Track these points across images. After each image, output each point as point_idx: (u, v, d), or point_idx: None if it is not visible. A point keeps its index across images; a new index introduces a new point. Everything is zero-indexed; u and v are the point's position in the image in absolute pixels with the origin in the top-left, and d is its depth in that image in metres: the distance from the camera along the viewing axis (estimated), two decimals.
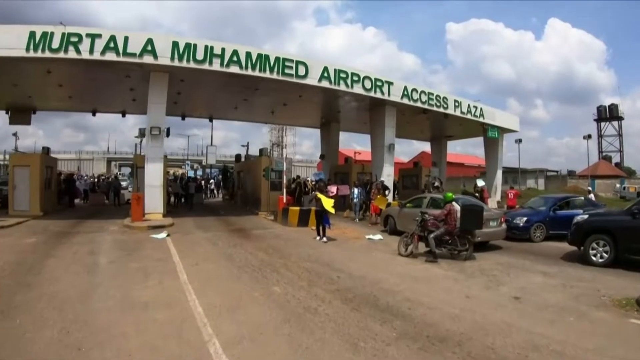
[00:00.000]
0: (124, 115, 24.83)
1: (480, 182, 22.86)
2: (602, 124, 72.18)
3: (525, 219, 13.47)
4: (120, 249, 10.72)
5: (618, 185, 47.30)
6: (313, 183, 20.07)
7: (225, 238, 12.97)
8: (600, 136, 72.10)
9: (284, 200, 17.05)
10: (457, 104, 24.53)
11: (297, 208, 15.74)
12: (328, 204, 12.94)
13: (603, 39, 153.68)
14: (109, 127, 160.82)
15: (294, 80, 17.98)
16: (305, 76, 18.18)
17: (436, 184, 19.36)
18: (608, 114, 71.26)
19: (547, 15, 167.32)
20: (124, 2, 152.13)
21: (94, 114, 26.27)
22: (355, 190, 18.80)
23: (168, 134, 17.91)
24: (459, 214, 9.99)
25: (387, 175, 20.75)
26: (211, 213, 20.53)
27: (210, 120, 28.70)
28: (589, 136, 48.76)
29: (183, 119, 27.82)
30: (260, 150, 22.19)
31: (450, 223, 9.83)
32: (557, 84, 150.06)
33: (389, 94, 20.78)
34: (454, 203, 10.21)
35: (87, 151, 79.02)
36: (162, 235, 13.00)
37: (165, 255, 10.09)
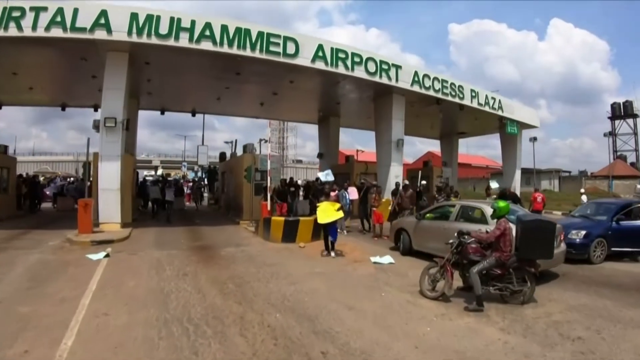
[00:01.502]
0: (96, 110, 21.24)
1: (494, 185, 19.76)
2: (616, 122, 68.51)
3: (583, 232, 9.98)
4: (31, 278, 7.85)
5: (639, 186, 43.85)
6: (320, 185, 16.47)
7: (180, 260, 9.62)
8: (614, 134, 68.31)
9: (268, 208, 13.61)
10: (473, 94, 21.27)
11: (281, 219, 12.34)
12: (328, 213, 10.14)
13: (606, 38, 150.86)
14: None
15: (282, 59, 14.67)
16: (295, 55, 14.87)
17: (440, 182, 16.26)
18: (622, 112, 67.64)
19: (549, 15, 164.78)
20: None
21: (63, 109, 23.47)
22: (347, 194, 14.77)
23: (128, 127, 14.60)
24: (514, 234, 6.57)
25: (395, 177, 17.34)
26: (185, 222, 17.11)
27: (193, 115, 25.22)
28: (610, 133, 45.31)
29: (162, 113, 24.78)
30: (244, 147, 18.65)
31: (504, 249, 6.36)
32: (561, 85, 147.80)
33: (396, 80, 17.43)
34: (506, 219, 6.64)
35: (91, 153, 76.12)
36: (100, 255, 9.83)
37: (78, 292, 6.86)
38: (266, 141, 16.73)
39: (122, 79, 14.12)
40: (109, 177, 13.98)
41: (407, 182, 17.05)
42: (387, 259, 9.65)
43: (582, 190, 25.60)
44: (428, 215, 10.10)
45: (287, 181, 19.00)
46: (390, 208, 13.30)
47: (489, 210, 8.17)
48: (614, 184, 45.01)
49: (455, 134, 30.21)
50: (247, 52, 14.13)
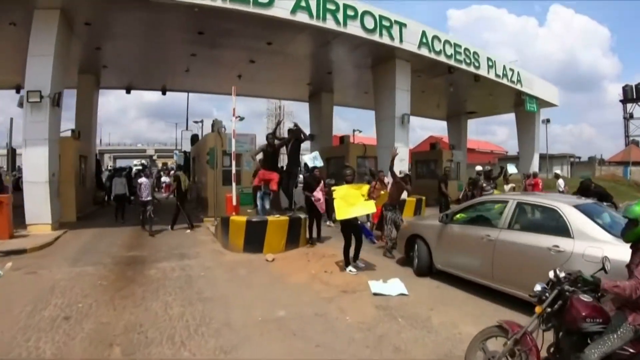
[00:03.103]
0: (18, 91, 17.52)
1: (512, 169, 16.52)
2: (629, 105, 64.71)
3: None
4: None
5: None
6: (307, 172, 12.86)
7: (85, 286, 6.41)
8: (626, 118, 64.67)
9: (234, 203, 10.01)
10: (490, 63, 17.78)
11: (242, 219, 8.71)
12: (351, 200, 7.22)
13: (608, 25, 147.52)
14: (109, 120, 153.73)
15: (252, 9, 11.12)
16: (269, 4, 11.31)
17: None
18: (635, 94, 63.83)
19: (550, 1, 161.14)
20: None
21: None
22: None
23: (58, 102, 11.23)
24: None
25: (401, 160, 13.86)
26: (138, 221, 13.32)
27: (164, 93, 21.49)
28: (631, 116, 41.85)
29: (128, 92, 21.32)
30: (212, 125, 14.84)
31: None
32: (561, 71, 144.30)
33: (400, 40, 13.87)
34: None
35: None
36: None
37: None
38: (241, 118, 13.06)
39: (50, 43, 10.95)
40: (35, 166, 10.97)
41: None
42: (395, 285, 6.17)
43: (558, 172, 21.66)
44: (459, 216, 6.56)
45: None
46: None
47: (575, 215, 4.84)
48: (630, 170, 41.75)
49: (464, 113, 26.74)
50: (205, 1, 10.65)
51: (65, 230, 11.23)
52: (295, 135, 10.98)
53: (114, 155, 71.88)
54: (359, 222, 7.57)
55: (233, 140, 10.21)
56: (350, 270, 7.08)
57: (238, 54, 15.31)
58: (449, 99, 22.94)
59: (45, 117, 10.92)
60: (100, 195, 18.24)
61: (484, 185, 11.20)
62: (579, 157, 55.37)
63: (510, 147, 73.97)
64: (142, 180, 11.86)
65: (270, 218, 8.56)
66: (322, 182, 9.81)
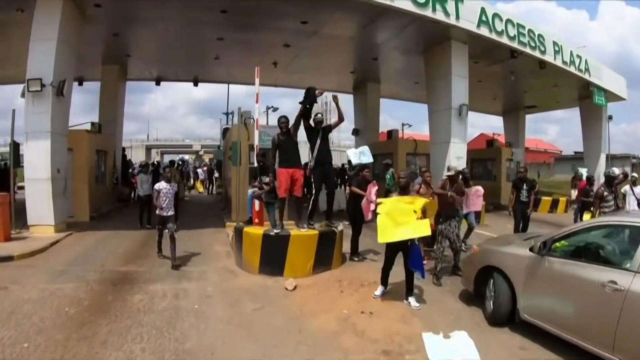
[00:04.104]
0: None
1: (584, 171, 14.44)
2: None
3: None
4: None
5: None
6: (352, 170, 10.84)
7: (45, 313, 5.01)
8: None
9: (257, 208, 8.22)
10: (557, 48, 15.24)
11: (258, 232, 6.81)
12: (399, 219, 5.40)
13: None
14: (159, 116, 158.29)
15: None
16: None
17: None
18: None
19: None
20: None
21: None
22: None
23: (62, 92, 9.98)
24: None
25: (457, 158, 11.78)
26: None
27: (195, 84, 20.29)
28: None
29: (158, 83, 20.24)
30: (240, 116, 12.76)
31: None
32: (614, 66, 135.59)
33: (457, 17, 11.73)
34: None
35: (132, 139, 75.34)
36: None
37: None
38: (275, 109, 11.38)
39: (53, 27, 9.86)
40: (36, 162, 9.94)
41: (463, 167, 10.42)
42: (461, 343, 4.19)
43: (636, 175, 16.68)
44: (561, 244, 4.36)
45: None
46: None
47: None
48: None
49: (522, 108, 24.10)
50: None
51: (70, 233, 10.12)
52: (309, 101, 7.14)
53: (161, 150, 72.38)
54: (415, 242, 5.60)
55: (256, 132, 8.46)
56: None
57: (269, 36, 13.65)
58: (508, 90, 20.62)
59: (47, 108, 9.87)
60: (126, 192, 17.12)
61: (605, 193, 7.55)
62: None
63: (563, 147, 69.45)
64: (162, 186, 7.58)
65: (294, 232, 6.71)
66: (375, 184, 7.65)
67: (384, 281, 5.72)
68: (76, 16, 10.68)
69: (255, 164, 8.53)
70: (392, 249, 5.53)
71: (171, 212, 7.55)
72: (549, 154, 60.71)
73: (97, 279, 6.55)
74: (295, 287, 6.02)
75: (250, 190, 7.83)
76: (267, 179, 7.17)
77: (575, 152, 48.36)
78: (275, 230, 6.68)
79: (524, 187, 9.04)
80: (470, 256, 5.80)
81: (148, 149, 70.44)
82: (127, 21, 12.38)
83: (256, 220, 7.81)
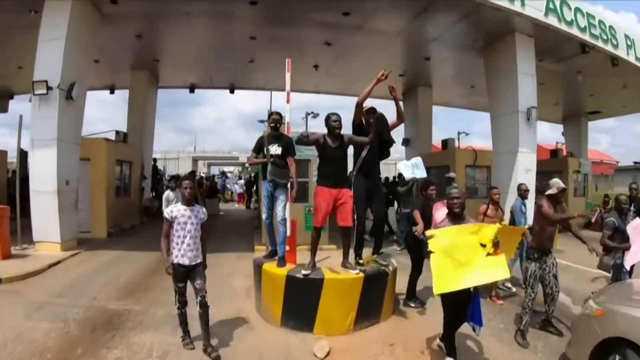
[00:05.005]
0: None
1: None
2: None
3: None
4: None
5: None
6: (403, 185, 9.20)
7: None
8: None
9: (288, 232, 6.35)
10: (629, 42, 13.14)
11: (281, 272, 5.03)
12: (462, 259, 3.65)
13: None
14: (207, 129, 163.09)
15: None
16: None
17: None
18: None
19: None
20: None
21: None
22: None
23: (71, 95, 8.98)
24: None
25: (526, 171, 9.90)
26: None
27: (232, 91, 19.13)
28: None
29: (192, 91, 19.20)
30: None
31: None
32: None
33: (522, 3, 9.96)
34: None
35: (179, 151, 76.22)
36: None
37: None
38: (315, 115, 9.81)
39: (61, 25, 9.11)
40: (41, 172, 9.10)
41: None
42: None
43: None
44: None
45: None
46: (528, 240, 5.60)
47: None
48: None
49: (584, 114, 21.56)
50: None
51: (78, 252, 9.23)
52: (380, 128, 5.50)
53: (207, 162, 72.99)
54: (478, 298, 3.95)
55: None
56: None
57: (307, 33, 12.24)
58: (572, 93, 18.31)
59: (54, 113, 8.96)
60: (155, 205, 16.04)
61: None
62: None
63: (617, 157, 65.00)
64: (176, 211, 4.42)
65: (328, 275, 4.98)
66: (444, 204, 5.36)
67: (451, 349, 4.04)
68: (89, 15, 9.79)
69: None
70: (451, 299, 3.86)
71: (198, 260, 4.46)
72: (606, 164, 56.55)
73: (79, 318, 5.32)
74: (328, 353, 4.35)
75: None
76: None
77: (635, 162, 44.60)
78: (304, 272, 4.98)
79: (631, 209, 6.67)
80: (586, 318, 3.89)
81: (195, 160, 71.60)
82: (149, 19, 11.38)
83: (287, 248, 5.96)
